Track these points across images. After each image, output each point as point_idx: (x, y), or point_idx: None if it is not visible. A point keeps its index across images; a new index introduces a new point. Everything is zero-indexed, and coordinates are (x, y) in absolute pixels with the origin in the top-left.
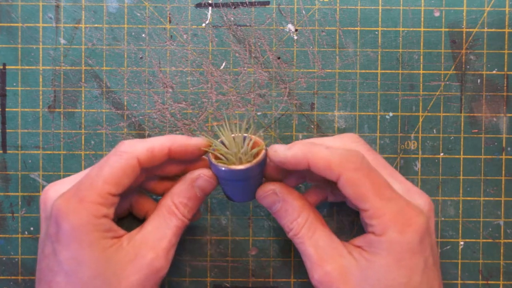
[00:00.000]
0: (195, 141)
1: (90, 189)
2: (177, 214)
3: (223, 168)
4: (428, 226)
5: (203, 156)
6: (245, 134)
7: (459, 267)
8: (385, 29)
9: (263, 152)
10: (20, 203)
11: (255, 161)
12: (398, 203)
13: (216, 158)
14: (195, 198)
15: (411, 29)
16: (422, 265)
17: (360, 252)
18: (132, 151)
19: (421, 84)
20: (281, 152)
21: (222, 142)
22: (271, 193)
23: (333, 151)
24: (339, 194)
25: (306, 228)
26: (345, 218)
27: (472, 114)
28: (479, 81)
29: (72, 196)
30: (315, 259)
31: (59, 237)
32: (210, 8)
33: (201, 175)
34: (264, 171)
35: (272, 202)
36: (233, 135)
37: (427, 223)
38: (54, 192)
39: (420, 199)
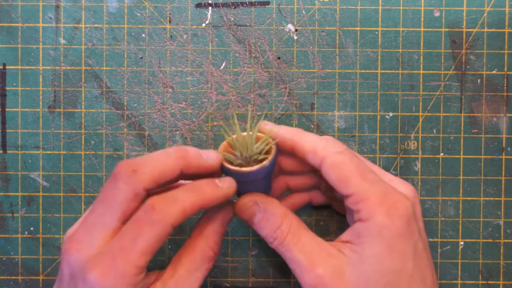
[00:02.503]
0: (224, 193)
1: (127, 263)
2: (211, 257)
3: (239, 172)
4: (414, 211)
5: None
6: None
7: (459, 267)
8: (385, 29)
9: (274, 149)
10: (20, 203)
11: (266, 161)
12: (382, 186)
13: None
14: (224, 234)
15: (411, 29)
16: (412, 250)
17: (349, 247)
18: (165, 219)
19: (421, 84)
20: (270, 128)
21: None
22: (252, 204)
23: (320, 137)
24: (322, 196)
25: (291, 235)
26: (345, 218)
27: (472, 114)
28: (479, 81)
29: (109, 270)
30: (305, 264)
31: None
32: (210, 8)
33: (229, 212)
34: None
35: (252, 214)
36: (243, 133)
37: (412, 208)
38: (78, 252)
39: (403, 186)
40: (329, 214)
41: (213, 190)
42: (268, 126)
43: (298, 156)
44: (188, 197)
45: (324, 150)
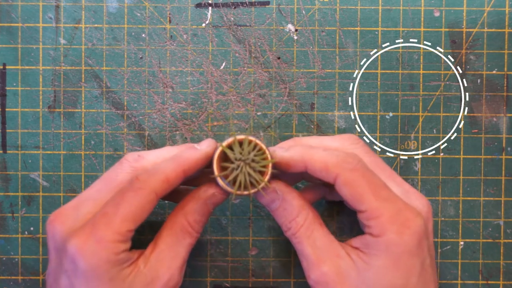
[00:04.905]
0: (203, 152)
1: (107, 228)
2: (191, 233)
3: (233, 192)
4: (426, 228)
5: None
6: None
7: (459, 267)
8: (385, 29)
9: (270, 169)
10: (20, 203)
11: (260, 186)
12: (395, 204)
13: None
14: (208, 213)
15: (411, 29)
16: (419, 267)
17: (357, 253)
18: (148, 186)
19: (421, 84)
20: (279, 154)
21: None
22: (271, 190)
23: (330, 152)
24: (336, 193)
25: (304, 228)
26: (345, 218)
27: (472, 114)
28: (479, 81)
29: (88, 236)
30: (312, 259)
31: (77, 274)
32: (210, 8)
33: (215, 194)
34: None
35: (271, 200)
36: (239, 137)
37: (424, 225)
38: (62, 224)
39: (417, 201)
40: (329, 214)
41: (192, 153)
42: (274, 151)
43: (311, 174)
44: (169, 165)
45: (336, 167)
